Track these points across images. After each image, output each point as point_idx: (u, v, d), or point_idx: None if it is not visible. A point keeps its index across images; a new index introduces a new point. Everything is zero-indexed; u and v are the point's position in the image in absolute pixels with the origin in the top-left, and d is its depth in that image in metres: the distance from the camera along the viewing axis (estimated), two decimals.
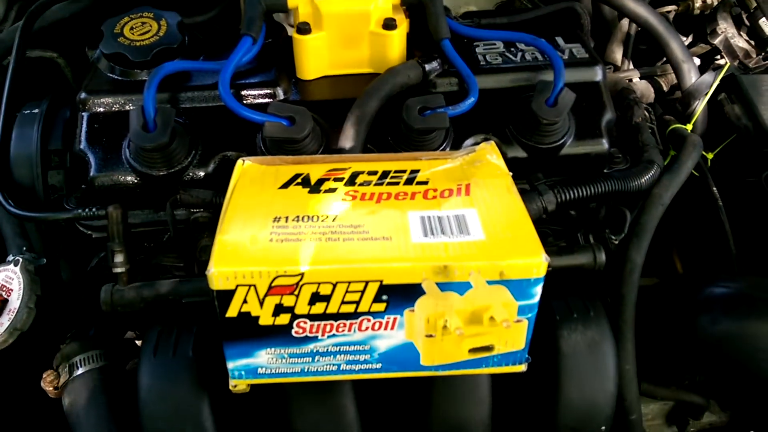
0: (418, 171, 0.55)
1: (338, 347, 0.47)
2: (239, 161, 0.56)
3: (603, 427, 0.59)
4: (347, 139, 0.63)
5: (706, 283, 0.66)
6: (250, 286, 0.43)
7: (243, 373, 0.48)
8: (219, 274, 0.43)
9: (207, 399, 0.56)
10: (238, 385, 0.50)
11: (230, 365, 0.48)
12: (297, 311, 0.45)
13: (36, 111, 0.73)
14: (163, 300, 0.59)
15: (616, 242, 0.67)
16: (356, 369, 0.48)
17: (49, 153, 0.71)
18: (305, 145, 0.64)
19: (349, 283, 0.44)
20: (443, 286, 0.44)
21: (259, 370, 0.48)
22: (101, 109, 0.68)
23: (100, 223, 0.65)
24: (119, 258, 0.60)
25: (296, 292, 0.44)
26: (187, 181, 0.65)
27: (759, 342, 0.59)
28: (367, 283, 0.44)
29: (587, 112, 0.71)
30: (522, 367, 0.50)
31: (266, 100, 0.69)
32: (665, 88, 0.92)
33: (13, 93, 0.71)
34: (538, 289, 0.45)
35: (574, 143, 0.69)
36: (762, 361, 0.59)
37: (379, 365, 0.48)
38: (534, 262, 0.44)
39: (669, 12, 0.99)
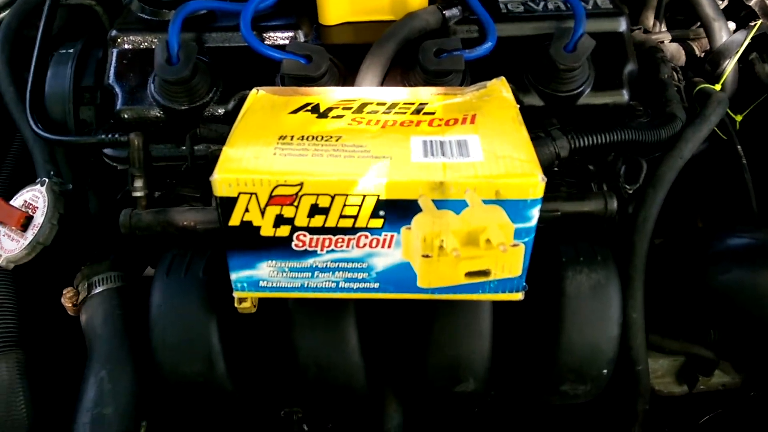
0: (426, 103, 0.55)
1: (337, 263, 0.48)
2: (253, 90, 0.58)
3: (604, 371, 0.59)
4: (363, 80, 0.64)
5: (718, 233, 0.65)
6: (251, 194, 0.45)
7: (245, 285, 0.50)
8: (222, 180, 0.45)
9: (215, 318, 0.58)
10: (243, 301, 0.52)
11: (233, 276, 0.49)
12: (297, 223, 0.46)
13: (71, 51, 0.76)
14: (179, 226, 0.62)
15: (631, 192, 0.67)
16: (354, 287, 0.49)
17: (81, 90, 0.74)
18: (322, 84, 0.65)
19: (347, 196, 0.45)
20: (440, 204, 0.45)
21: (261, 283, 0.50)
22: (130, 46, 0.71)
23: (126, 154, 0.68)
24: (139, 183, 0.62)
25: (296, 203, 0.45)
26: (208, 117, 0.67)
27: None
28: (364, 197, 0.45)
29: (608, 61, 0.70)
30: (519, 296, 0.50)
31: (287, 41, 0.71)
32: (698, 53, 0.90)
33: (48, 30, 0.75)
34: (535, 212, 0.46)
35: (593, 93, 0.68)
36: None
37: (376, 285, 0.49)
38: (530, 181, 0.44)
39: None
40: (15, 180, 0.70)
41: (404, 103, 0.55)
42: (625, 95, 0.69)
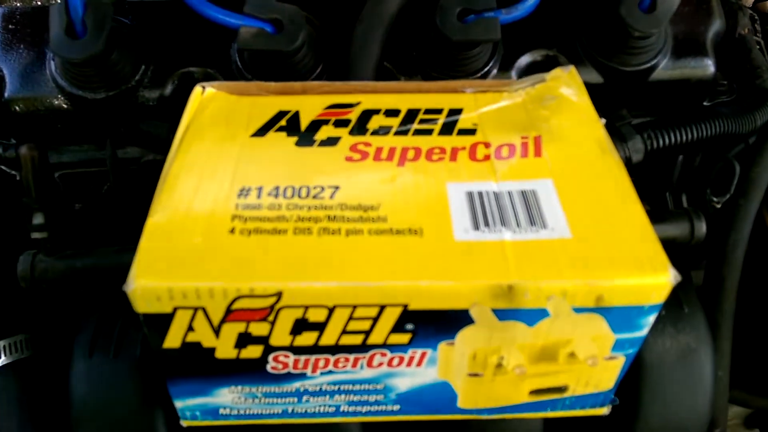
0: (460, 111, 0.37)
1: (337, 386, 0.31)
2: (197, 89, 0.38)
3: None
4: (356, 55, 0.45)
5: None
6: (196, 309, 0.27)
7: (198, 413, 0.33)
8: (144, 291, 0.27)
9: (161, 415, 0.41)
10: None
11: (178, 405, 0.33)
12: (273, 342, 0.29)
13: None
14: (104, 274, 0.44)
15: (719, 206, 0.50)
16: (363, 411, 0.33)
17: None
18: (298, 62, 0.46)
19: (355, 307, 0.27)
20: (503, 314, 0.28)
21: (222, 411, 0.33)
22: (18, 3, 0.49)
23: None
24: (38, 218, 0.43)
25: (270, 318, 0.28)
26: (136, 106, 0.48)
27: None
28: (383, 307, 0.27)
29: (689, 20, 0.51)
30: (604, 410, 0.34)
31: None
32: None
33: None
34: (651, 319, 0.29)
35: (670, 64, 0.50)
36: None
37: (396, 407, 0.33)
38: (655, 282, 0.27)
39: None
40: None
41: (427, 111, 0.37)
42: (710, 66, 0.51)
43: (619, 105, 0.49)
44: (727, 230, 0.48)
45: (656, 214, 0.47)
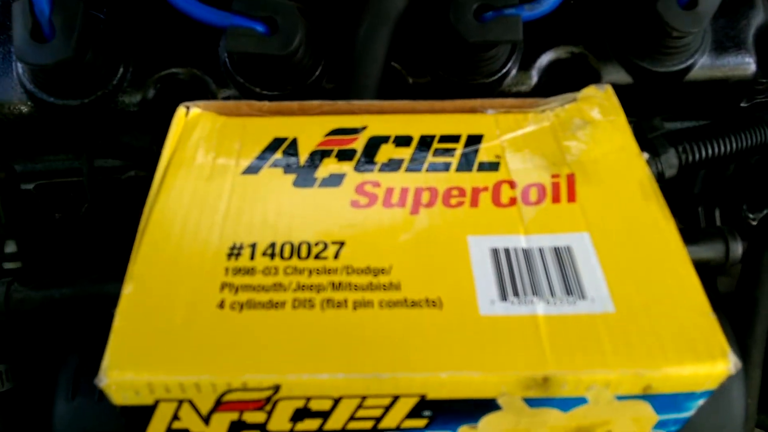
0: (480, 138, 0.32)
1: None
2: (180, 109, 0.34)
3: None
4: (360, 61, 0.40)
5: None
6: (181, 401, 0.23)
7: None
8: (120, 385, 0.23)
9: None
10: None
11: None
12: (271, 428, 0.25)
13: None
14: (84, 303, 0.40)
15: (755, 222, 0.46)
16: None
17: None
18: (294, 65, 0.41)
19: (364, 398, 0.24)
20: (535, 402, 0.24)
21: None
22: None
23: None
24: (10, 247, 0.39)
25: (267, 408, 0.24)
26: (114, 112, 0.43)
27: None
28: (396, 398, 0.24)
29: (730, 13, 0.46)
30: None
31: None
32: None
33: None
34: (701, 402, 0.25)
35: (708, 63, 0.45)
36: None
37: None
38: (712, 370, 0.23)
39: None
40: None
41: (442, 138, 0.32)
42: (752, 64, 0.46)
43: (651, 110, 0.44)
44: (762, 249, 0.45)
45: (688, 233, 0.43)
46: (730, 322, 0.43)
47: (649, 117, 0.44)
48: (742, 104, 0.48)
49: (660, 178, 0.42)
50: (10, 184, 0.39)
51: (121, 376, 0.23)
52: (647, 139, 0.42)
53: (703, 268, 0.42)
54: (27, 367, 0.45)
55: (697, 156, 0.42)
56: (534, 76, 0.45)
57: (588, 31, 0.45)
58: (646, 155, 0.32)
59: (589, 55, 0.44)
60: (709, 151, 0.42)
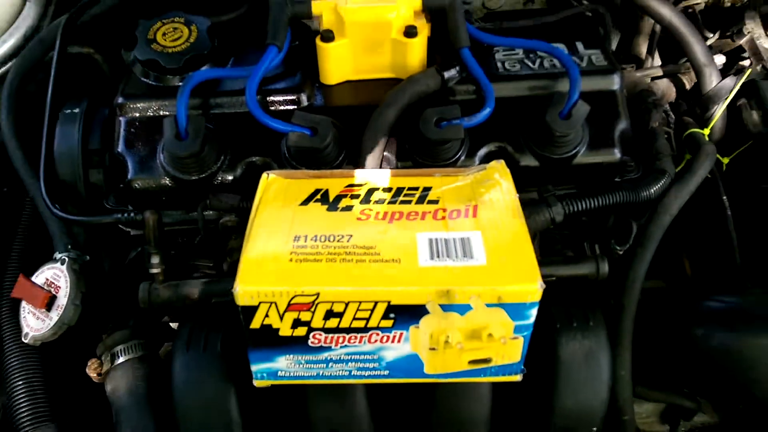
0: (429, 189, 0.58)
1: (350, 356, 0.52)
2: (264, 175, 0.60)
3: (594, 428, 0.63)
4: (366, 151, 0.67)
5: (705, 295, 0.69)
6: (271, 303, 0.48)
7: (265, 375, 0.53)
8: (243, 292, 0.48)
9: (233, 389, 0.61)
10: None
11: (254, 368, 0.53)
12: (313, 325, 0.50)
13: (77, 110, 0.77)
14: (194, 299, 0.65)
15: (621, 252, 0.70)
16: (365, 375, 0.53)
17: (90, 153, 0.76)
18: (326, 154, 0.68)
19: (360, 302, 0.48)
20: (446, 308, 0.48)
21: (279, 373, 0.53)
22: (137, 114, 0.73)
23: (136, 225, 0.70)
24: (155, 260, 0.65)
25: (312, 309, 0.49)
26: (217, 184, 0.70)
27: (753, 357, 0.62)
28: (376, 303, 0.48)
29: (601, 121, 0.72)
30: (517, 377, 0.54)
31: (291, 106, 0.72)
32: (688, 86, 0.92)
33: (56, 92, 0.76)
34: (534, 311, 0.49)
35: (587, 153, 0.71)
36: (755, 375, 0.62)
37: (386, 372, 0.53)
38: (530, 288, 0.48)
39: (698, 4, 0.99)
40: (30, 249, 0.73)
41: (409, 189, 0.58)
42: (617, 154, 0.72)
43: (549, 181, 0.70)
44: (627, 270, 0.68)
45: (575, 258, 0.68)
46: (608, 319, 0.66)
47: (547, 185, 0.69)
48: (616, 179, 0.73)
49: (553, 222, 0.67)
50: (158, 222, 0.65)
51: (243, 288, 0.48)
52: (543, 197, 0.68)
53: (584, 280, 0.66)
54: (158, 338, 0.69)
55: (575, 208, 0.67)
56: (476, 161, 0.71)
57: (509, 132, 0.71)
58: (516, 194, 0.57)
59: (509, 147, 0.71)
60: (583, 205, 0.67)
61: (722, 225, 0.77)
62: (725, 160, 0.83)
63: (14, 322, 0.67)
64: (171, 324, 0.79)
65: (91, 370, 0.65)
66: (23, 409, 0.63)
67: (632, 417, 0.68)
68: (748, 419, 0.69)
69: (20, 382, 0.64)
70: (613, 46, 1.04)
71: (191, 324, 0.64)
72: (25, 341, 0.63)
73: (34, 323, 0.62)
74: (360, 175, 0.61)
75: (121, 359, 0.66)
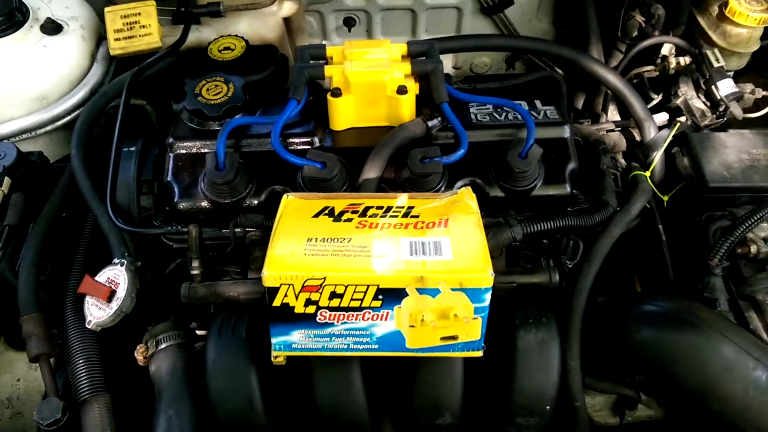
0: (413, 207, 0.75)
1: (348, 331, 0.67)
2: (285, 196, 0.78)
3: (548, 407, 0.77)
4: (365, 180, 0.84)
5: (634, 300, 0.85)
6: (289, 285, 0.64)
7: (282, 347, 0.69)
8: (269, 275, 0.64)
9: (254, 369, 0.76)
10: (278, 357, 0.71)
11: (273, 341, 0.69)
12: (320, 304, 0.65)
13: (133, 149, 0.96)
14: (226, 297, 0.81)
15: (570, 266, 0.86)
16: (360, 348, 0.69)
17: (142, 182, 0.94)
18: (334, 183, 0.85)
19: (356, 285, 0.64)
20: (421, 291, 0.64)
21: (293, 345, 0.69)
22: (183, 151, 0.91)
23: (180, 236, 0.87)
24: (196, 263, 0.82)
25: (320, 291, 0.65)
26: (245, 207, 0.87)
27: (676, 351, 0.77)
28: (368, 286, 0.64)
29: (555, 162, 0.90)
30: (479, 353, 0.69)
31: (306, 146, 0.91)
32: (638, 138, 1.10)
33: (121, 136, 0.94)
34: (488, 296, 0.65)
35: (543, 187, 0.88)
36: (676, 369, 0.76)
37: (376, 346, 0.68)
38: (483, 276, 0.64)
39: (649, 71, 1.18)
40: (89, 260, 0.90)
41: (397, 207, 0.75)
42: (567, 188, 0.89)
43: (510, 208, 0.87)
44: (576, 280, 0.84)
45: (532, 269, 0.84)
46: (561, 319, 0.81)
47: (508, 210, 0.86)
48: (568, 209, 0.90)
49: (514, 239, 0.84)
50: (199, 233, 0.82)
51: (269, 272, 0.64)
52: (506, 219, 0.84)
53: (538, 287, 0.82)
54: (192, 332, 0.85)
55: (532, 228, 0.84)
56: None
57: (479, 169, 0.88)
58: (479, 211, 0.73)
59: (480, 181, 0.88)
60: (538, 227, 0.84)
61: (659, 248, 0.93)
62: (665, 198, 1.00)
63: (77, 314, 0.83)
64: (197, 332, 0.95)
65: (139, 354, 0.81)
66: (83, 381, 0.78)
67: (583, 403, 0.82)
68: (687, 412, 0.83)
69: (80, 360, 0.79)
70: (579, 104, 1.24)
71: (223, 314, 0.79)
72: (89, 327, 0.79)
73: (97, 312, 0.78)
74: (359, 198, 0.78)
75: (164, 345, 0.81)
